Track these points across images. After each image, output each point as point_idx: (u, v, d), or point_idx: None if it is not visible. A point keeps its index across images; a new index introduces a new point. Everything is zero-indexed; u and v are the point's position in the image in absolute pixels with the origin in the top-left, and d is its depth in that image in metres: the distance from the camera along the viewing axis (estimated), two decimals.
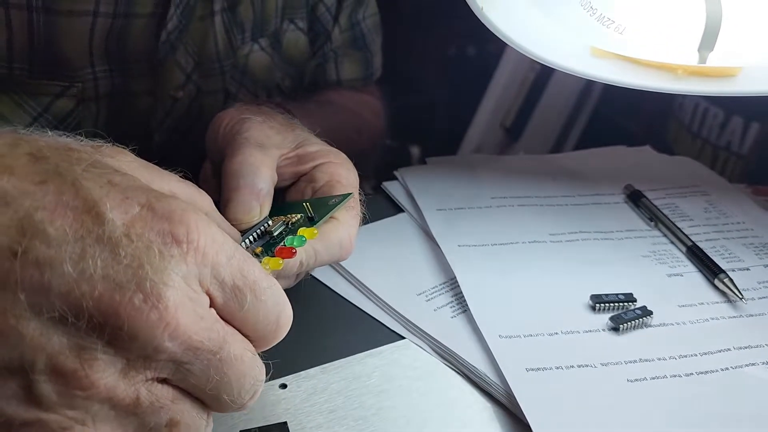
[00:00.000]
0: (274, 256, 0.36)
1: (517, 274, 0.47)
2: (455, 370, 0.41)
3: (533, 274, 0.47)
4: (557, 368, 0.39)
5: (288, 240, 0.37)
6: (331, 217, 0.40)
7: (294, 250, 0.36)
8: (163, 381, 0.26)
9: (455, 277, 0.46)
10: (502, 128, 1.25)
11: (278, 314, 0.28)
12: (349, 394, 0.39)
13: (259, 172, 0.40)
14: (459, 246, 0.49)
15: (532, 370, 0.39)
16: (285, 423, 0.37)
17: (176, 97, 0.54)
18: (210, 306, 0.26)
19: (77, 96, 0.49)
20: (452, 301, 0.45)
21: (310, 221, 0.39)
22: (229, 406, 0.27)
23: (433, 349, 0.42)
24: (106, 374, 0.24)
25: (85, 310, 0.23)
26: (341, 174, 0.42)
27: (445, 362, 0.41)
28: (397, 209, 0.55)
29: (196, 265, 0.25)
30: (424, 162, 0.62)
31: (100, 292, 0.23)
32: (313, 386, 0.39)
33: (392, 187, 0.57)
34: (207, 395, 0.26)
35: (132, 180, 0.26)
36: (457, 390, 0.40)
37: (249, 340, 0.27)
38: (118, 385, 0.24)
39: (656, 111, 1.03)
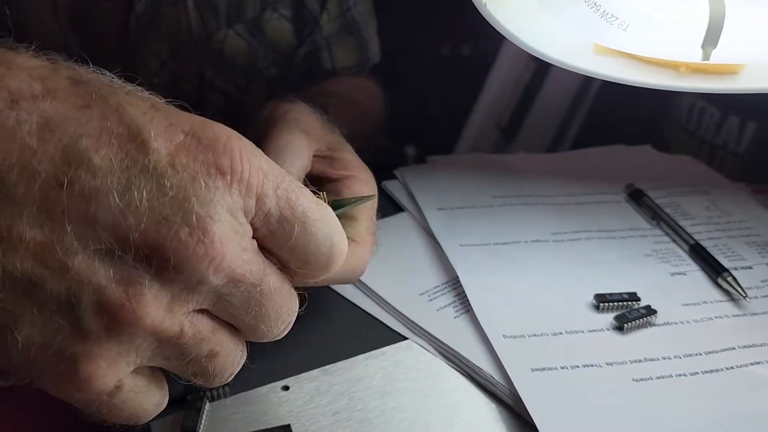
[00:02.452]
0: None
1: (519, 274, 0.47)
2: (459, 371, 0.40)
3: (536, 274, 0.47)
4: (562, 368, 0.39)
5: None
6: (351, 240, 0.39)
7: None
8: (203, 312, 0.26)
9: (457, 277, 0.46)
10: (498, 128, 1.25)
11: (330, 246, 0.27)
12: (352, 396, 0.38)
13: (300, 156, 0.40)
14: (461, 246, 0.48)
15: (538, 370, 0.38)
16: (288, 425, 0.36)
17: (152, 84, 0.54)
18: (253, 237, 0.26)
19: None
20: (455, 301, 0.45)
21: None
22: (264, 336, 0.27)
23: (437, 350, 0.42)
24: (153, 308, 0.24)
25: (131, 243, 0.23)
26: (364, 193, 0.42)
27: (449, 363, 0.41)
28: (397, 208, 0.55)
29: (241, 197, 0.25)
30: (423, 161, 0.62)
31: (146, 225, 0.23)
32: (315, 388, 0.39)
33: (392, 186, 0.57)
34: (245, 325, 0.27)
35: (172, 106, 0.26)
36: (461, 391, 0.39)
37: (299, 270, 0.28)
38: (164, 319, 0.24)
39: (652, 110, 1.03)
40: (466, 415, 0.38)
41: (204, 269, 0.24)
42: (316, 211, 0.27)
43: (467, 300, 0.44)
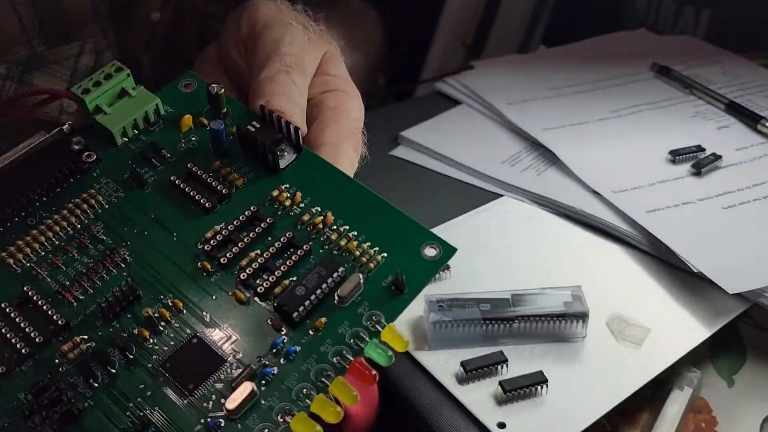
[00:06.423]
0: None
1: (602, 143, 0.54)
2: (557, 215, 0.49)
3: (614, 143, 0.54)
4: (667, 207, 0.46)
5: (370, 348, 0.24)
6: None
7: (374, 374, 0.24)
8: None
9: (529, 146, 0.54)
10: (464, 46, 1.28)
11: None
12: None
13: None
14: (544, 129, 0.55)
15: (651, 211, 0.46)
16: None
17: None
18: None
19: (95, 50, 0.50)
20: (533, 164, 0.53)
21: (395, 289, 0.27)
22: None
23: (533, 200, 0.50)
24: None
25: None
26: (351, 105, 0.39)
27: (545, 209, 0.49)
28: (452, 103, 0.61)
29: None
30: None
31: None
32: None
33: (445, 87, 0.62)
34: None
35: None
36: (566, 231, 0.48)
37: None
38: None
39: (609, 9, 1.10)
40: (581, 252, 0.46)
41: None
42: None
43: (544, 162, 0.53)
